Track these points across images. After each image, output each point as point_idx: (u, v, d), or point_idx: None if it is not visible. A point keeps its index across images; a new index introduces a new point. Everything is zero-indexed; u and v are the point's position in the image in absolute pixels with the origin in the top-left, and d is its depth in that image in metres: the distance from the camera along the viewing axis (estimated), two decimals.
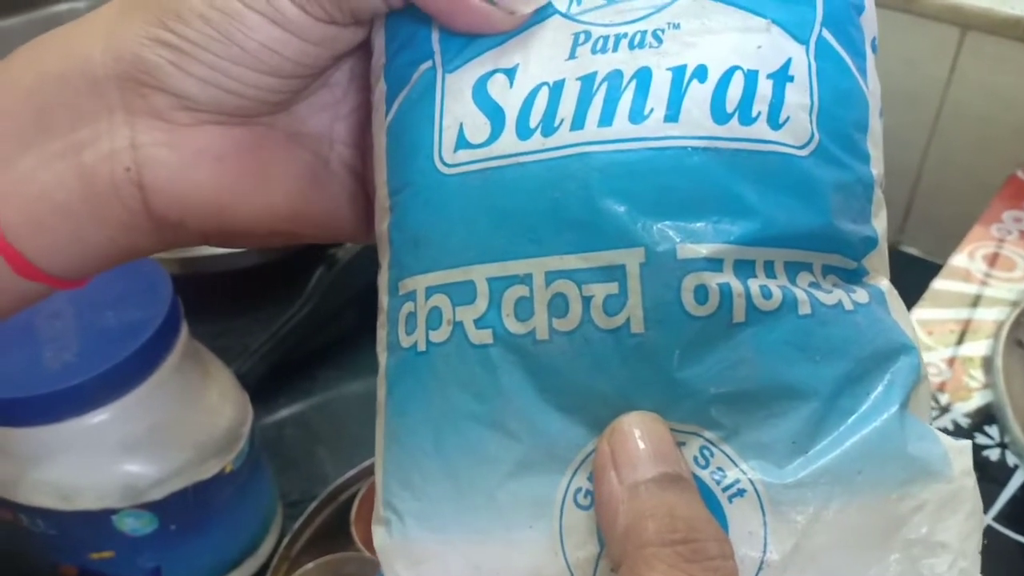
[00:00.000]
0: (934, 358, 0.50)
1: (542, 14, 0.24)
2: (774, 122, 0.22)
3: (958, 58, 0.70)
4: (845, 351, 0.22)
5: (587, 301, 0.21)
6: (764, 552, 0.21)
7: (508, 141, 0.22)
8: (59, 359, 0.42)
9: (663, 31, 0.23)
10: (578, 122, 0.22)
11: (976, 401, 0.48)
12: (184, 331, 0.46)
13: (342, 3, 0.24)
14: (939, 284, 0.55)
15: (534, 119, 0.22)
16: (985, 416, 0.47)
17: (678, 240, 0.21)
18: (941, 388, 0.48)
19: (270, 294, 0.67)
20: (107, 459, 0.44)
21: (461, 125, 0.23)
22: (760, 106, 0.22)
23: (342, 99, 0.28)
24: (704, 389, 0.21)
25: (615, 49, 0.23)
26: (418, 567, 0.23)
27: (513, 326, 0.22)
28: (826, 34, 0.23)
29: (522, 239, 0.22)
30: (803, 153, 0.22)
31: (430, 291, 0.23)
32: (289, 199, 0.27)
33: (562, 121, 0.22)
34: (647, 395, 0.21)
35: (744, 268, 0.21)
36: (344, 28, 0.25)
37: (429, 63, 0.24)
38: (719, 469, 0.21)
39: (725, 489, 0.21)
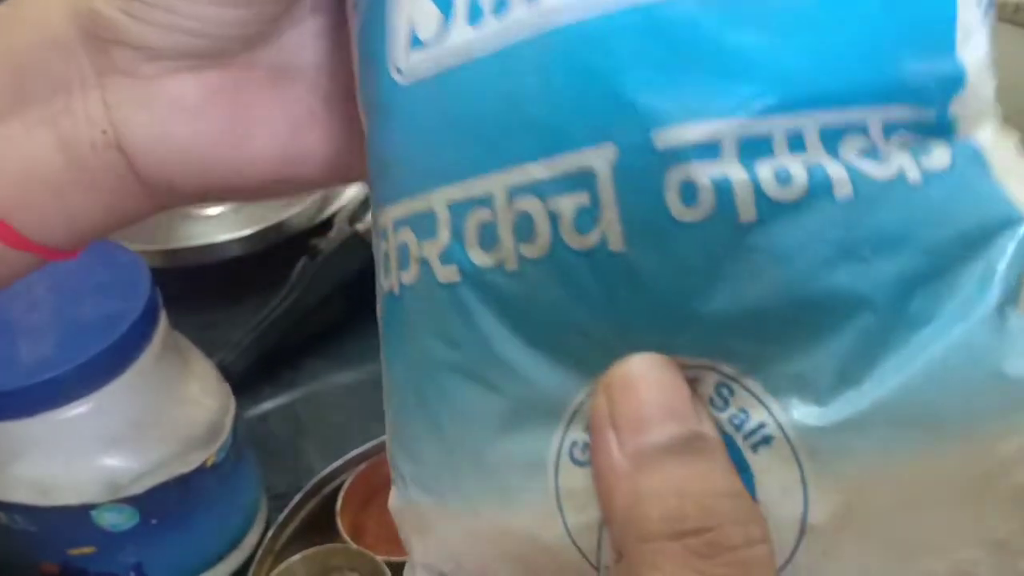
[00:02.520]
0: None
1: None
2: None
3: None
4: (908, 239, 0.17)
5: (555, 218, 0.18)
6: (804, 515, 0.17)
7: (459, 32, 0.19)
8: (36, 352, 0.42)
9: None
10: None
11: None
12: (163, 323, 0.46)
13: None
14: None
15: (485, 2, 0.19)
16: None
17: (654, 126, 0.17)
18: None
19: (253, 285, 0.66)
20: (86, 453, 0.44)
21: (411, 21, 0.20)
22: None
23: (342, 21, 0.25)
24: (713, 312, 0.17)
25: None
26: (424, 537, 0.21)
27: (479, 258, 0.19)
28: None
29: (480, 151, 0.19)
30: None
31: (397, 225, 0.20)
32: (279, 143, 0.25)
33: None
34: (642, 327, 0.18)
35: (755, 147, 0.16)
36: None
37: None
38: (741, 411, 0.17)
39: (748, 436, 0.17)
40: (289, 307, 0.62)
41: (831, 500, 0.17)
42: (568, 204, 0.17)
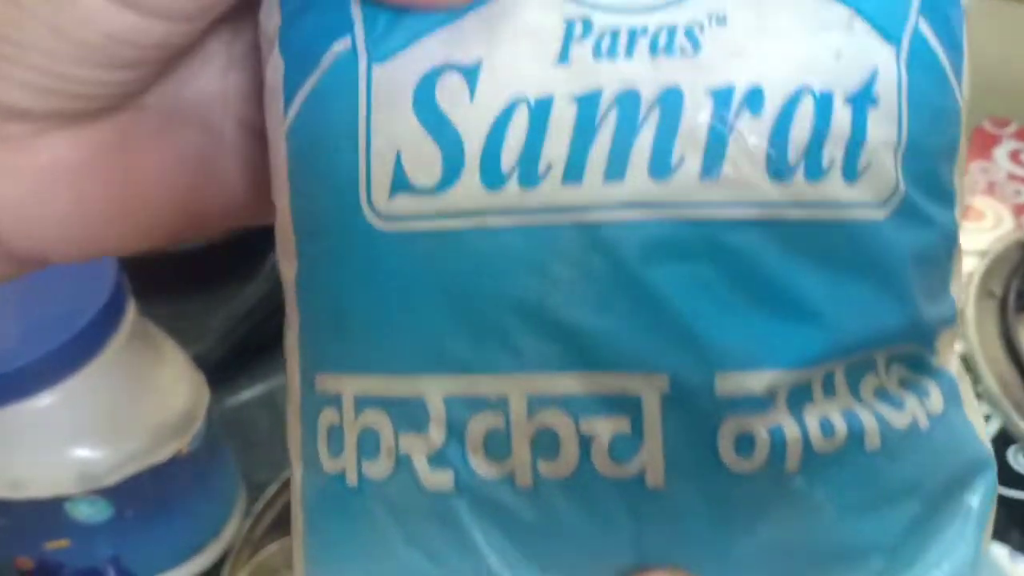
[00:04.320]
0: None
1: None
2: (850, 172, 0.16)
3: None
4: (918, 487, 0.17)
5: (586, 441, 0.16)
6: None
7: (470, 189, 0.16)
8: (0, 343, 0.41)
9: (702, 28, 0.16)
10: (573, 171, 0.15)
11: None
12: (131, 311, 0.45)
13: None
14: None
15: (507, 158, 0.16)
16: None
17: (717, 367, 0.15)
18: None
19: (228, 273, 0.65)
20: (56, 445, 0.43)
21: (399, 154, 0.16)
22: (834, 150, 0.16)
23: (233, 38, 0.21)
24: (743, 552, 0.16)
25: (629, 53, 0.16)
26: None
27: (483, 468, 0.16)
28: (922, 25, 0.17)
29: (494, 344, 0.16)
30: (882, 215, 0.16)
31: (362, 403, 0.17)
32: (175, 202, 0.21)
33: (549, 168, 0.16)
34: (667, 559, 0.16)
35: (799, 395, 0.16)
36: None
37: (347, 41, 0.17)
38: None
39: None
40: (264, 295, 0.61)
41: None
42: (605, 428, 0.16)
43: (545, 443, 0.16)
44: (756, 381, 0.15)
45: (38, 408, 0.41)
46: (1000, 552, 0.19)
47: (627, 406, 0.16)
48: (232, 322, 0.61)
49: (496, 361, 0.16)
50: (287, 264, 0.19)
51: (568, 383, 0.16)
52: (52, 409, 0.42)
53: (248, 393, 0.61)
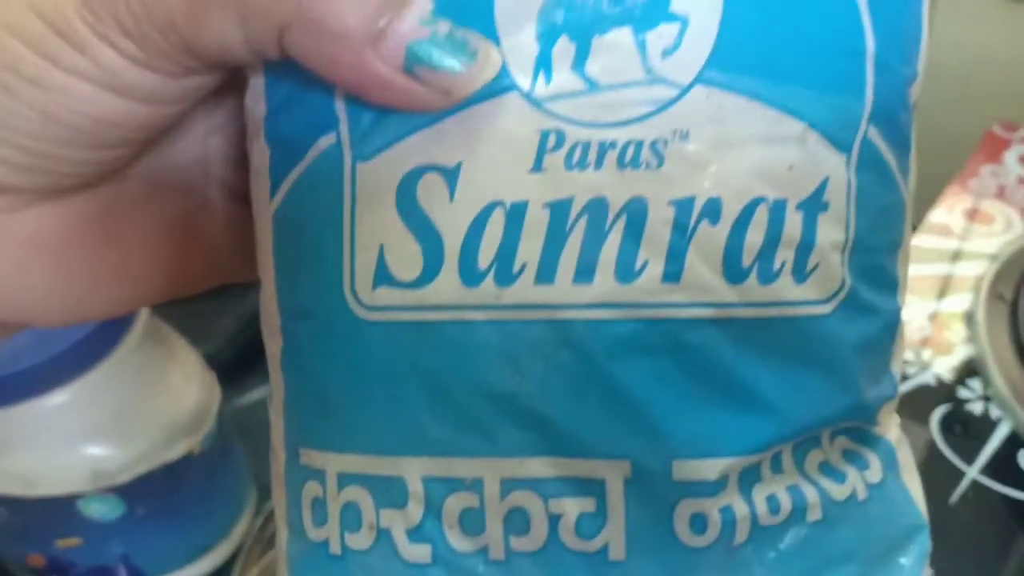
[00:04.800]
0: (915, 314, 0.49)
1: (495, 86, 0.17)
2: (800, 273, 0.17)
3: (933, 16, 0.69)
4: (855, 554, 0.18)
5: (555, 519, 0.17)
6: None
7: (449, 286, 0.17)
8: (14, 341, 0.41)
9: (666, 143, 0.17)
10: (545, 273, 0.17)
11: (959, 355, 0.47)
12: (143, 310, 0.45)
13: (190, 45, 0.16)
14: (918, 240, 0.54)
15: (484, 257, 0.17)
16: (968, 370, 0.47)
17: (674, 456, 0.17)
18: (923, 344, 0.48)
19: None
20: (69, 443, 0.43)
21: (382, 248, 0.17)
22: (785, 253, 0.17)
23: (214, 107, 0.21)
24: None
25: (598, 165, 0.17)
26: None
27: (458, 542, 0.17)
28: (872, 134, 0.18)
29: (470, 430, 0.17)
30: (827, 309, 0.18)
31: (344, 479, 0.18)
32: (160, 269, 0.21)
33: (523, 267, 0.17)
34: None
35: (749, 476, 0.18)
36: (203, 76, 0.18)
37: (332, 137, 0.18)
38: None
39: None
40: None
41: None
42: (572, 507, 0.17)
43: (517, 521, 0.17)
44: (709, 468, 0.17)
45: (51, 406, 0.42)
46: None
47: (593, 488, 0.17)
48: (242, 323, 0.61)
49: (472, 446, 0.17)
50: (272, 340, 0.20)
51: (539, 467, 0.17)
52: (65, 407, 0.42)
53: (258, 393, 0.61)
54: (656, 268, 0.17)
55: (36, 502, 0.44)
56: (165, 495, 0.47)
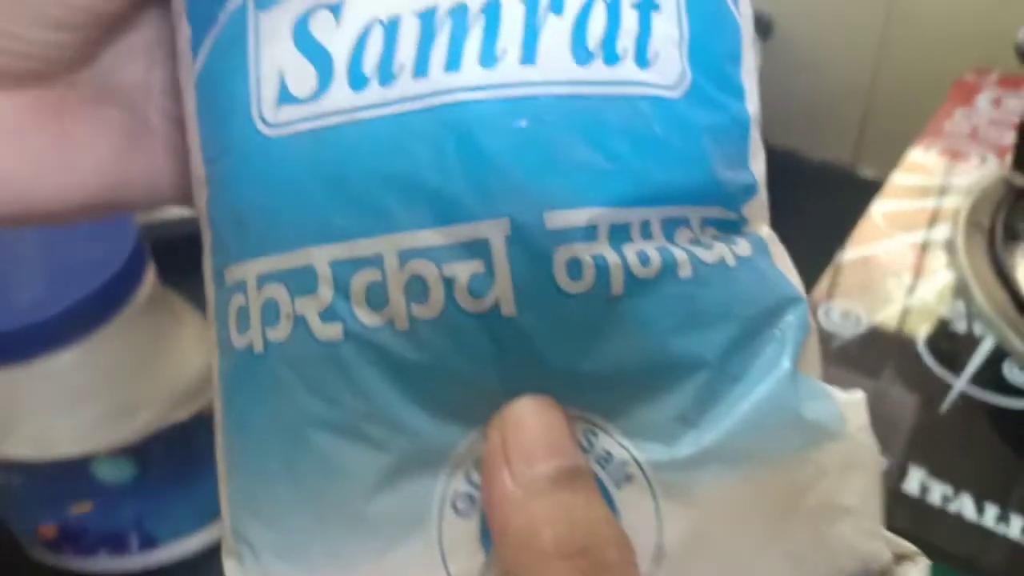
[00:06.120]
0: (899, 245, 0.51)
1: None
2: (642, 60, 0.20)
3: None
4: (731, 312, 0.20)
5: (449, 283, 0.19)
6: (660, 541, 0.20)
7: (340, 93, 0.19)
8: (23, 297, 0.42)
9: None
10: (420, 68, 0.19)
11: (941, 280, 0.49)
12: (150, 271, 0.46)
13: None
14: (898, 178, 0.55)
15: (368, 65, 0.19)
16: (950, 293, 0.48)
17: (546, 207, 0.19)
18: (908, 271, 0.49)
19: None
20: (79, 401, 0.44)
21: (282, 74, 0.20)
22: (625, 41, 0.20)
23: (156, 41, 0.24)
24: (586, 370, 0.19)
25: None
26: None
27: (366, 317, 0.19)
28: None
29: (368, 213, 0.19)
30: (675, 94, 0.20)
31: (262, 280, 0.20)
32: (103, 168, 0.23)
33: (402, 67, 0.19)
34: (526, 382, 0.19)
35: (619, 233, 0.19)
36: None
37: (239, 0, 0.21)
38: (606, 453, 0.20)
39: (612, 474, 0.20)
40: None
41: (681, 527, 0.20)
42: (463, 270, 0.19)
43: (416, 289, 0.19)
44: (578, 216, 0.19)
45: (61, 364, 0.42)
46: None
47: (479, 250, 0.19)
48: None
49: (371, 226, 0.19)
50: (200, 195, 0.22)
51: (430, 236, 0.19)
52: (75, 366, 0.43)
53: None
54: (514, 53, 0.19)
55: (48, 466, 0.44)
56: (176, 458, 0.47)
